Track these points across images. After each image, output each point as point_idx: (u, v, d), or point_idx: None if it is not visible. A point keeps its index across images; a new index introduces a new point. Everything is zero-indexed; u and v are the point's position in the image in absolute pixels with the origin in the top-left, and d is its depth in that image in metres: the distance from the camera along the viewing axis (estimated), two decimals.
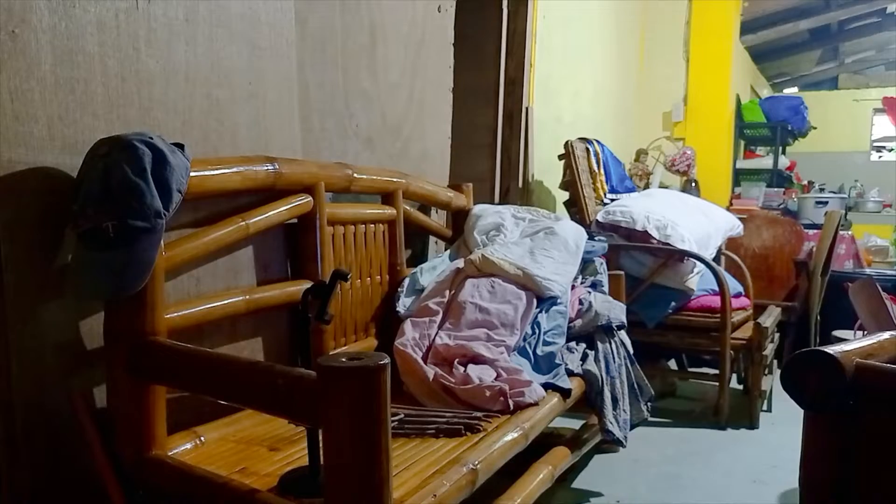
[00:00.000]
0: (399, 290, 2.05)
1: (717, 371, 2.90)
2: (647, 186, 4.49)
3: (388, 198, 2.06)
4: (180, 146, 1.28)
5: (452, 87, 2.56)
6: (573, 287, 2.22)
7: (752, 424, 2.89)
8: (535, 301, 2.01)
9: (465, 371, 1.71)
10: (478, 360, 1.75)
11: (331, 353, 1.67)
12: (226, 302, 1.46)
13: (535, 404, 1.65)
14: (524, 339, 1.94)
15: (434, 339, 1.85)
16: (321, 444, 1.04)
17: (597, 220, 3.06)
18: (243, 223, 1.49)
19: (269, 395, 1.03)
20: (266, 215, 1.55)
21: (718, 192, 5.31)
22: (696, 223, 3.09)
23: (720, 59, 5.60)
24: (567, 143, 3.22)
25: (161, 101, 1.41)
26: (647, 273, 2.97)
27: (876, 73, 8.94)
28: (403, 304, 2.01)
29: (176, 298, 1.37)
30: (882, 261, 5.09)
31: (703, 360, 3.60)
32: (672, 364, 3.60)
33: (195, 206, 1.41)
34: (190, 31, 1.46)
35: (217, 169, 1.41)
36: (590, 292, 2.23)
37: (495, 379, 1.70)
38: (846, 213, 5.77)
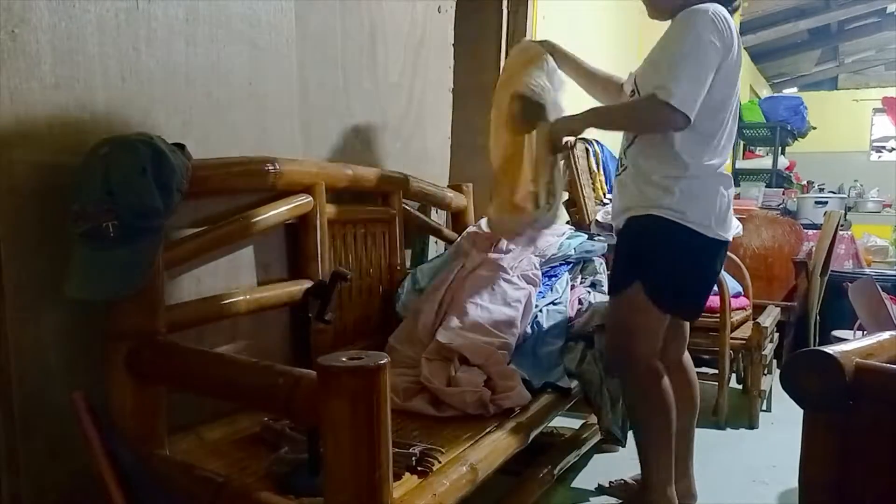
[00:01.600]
0: (399, 290, 2.05)
1: (716, 371, 2.89)
2: None
3: (388, 198, 2.07)
4: (181, 146, 1.28)
5: (452, 87, 2.56)
6: (573, 287, 2.22)
7: (751, 424, 2.89)
8: (534, 301, 2.01)
9: (456, 373, 1.69)
10: (472, 362, 1.74)
11: (331, 353, 1.67)
12: (226, 302, 1.46)
13: (517, 410, 1.61)
14: (524, 339, 1.94)
15: (433, 338, 1.84)
16: (321, 444, 1.04)
17: (596, 220, 3.06)
18: (243, 223, 1.49)
19: (269, 395, 1.03)
20: (266, 215, 1.55)
21: None
22: None
23: None
24: (566, 143, 3.21)
25: (161, 101, 1.40)
26: None
27: (876, 73, 8.93)
28: (403, 304, 2.01)
29: (176, 298, 1.37)
30: (882, 261, 5.09)
31: (702, 360, 3.58)
32: None
33: (195, 206, 1.41)
34: (190, 31, 1.46)
35: (217, 169, 1.41)
36: (589, 292, 2.23)
37: (485, 382, 1.67)
38: (846, 213, 5.77)
